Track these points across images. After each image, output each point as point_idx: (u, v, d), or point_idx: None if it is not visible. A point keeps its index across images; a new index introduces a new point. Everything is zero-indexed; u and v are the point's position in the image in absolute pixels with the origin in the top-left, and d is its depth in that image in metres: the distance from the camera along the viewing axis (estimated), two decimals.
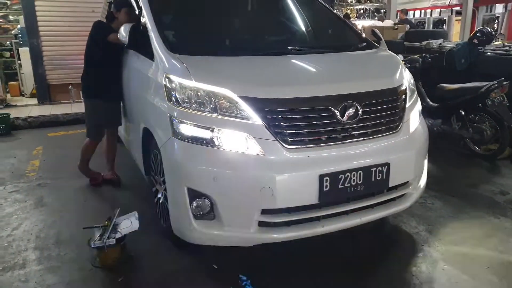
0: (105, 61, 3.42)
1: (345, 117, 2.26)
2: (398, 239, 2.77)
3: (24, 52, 7.40)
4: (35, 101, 7.28)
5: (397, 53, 4.78)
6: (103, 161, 3.78)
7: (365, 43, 3.08)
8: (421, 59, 4.81)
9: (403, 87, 2.57)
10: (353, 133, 2.28)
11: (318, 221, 2.24)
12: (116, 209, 2.63)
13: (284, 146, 2.13)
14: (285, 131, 2.15)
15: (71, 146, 4.94)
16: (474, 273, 2.35)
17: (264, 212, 2.15)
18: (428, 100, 4.67)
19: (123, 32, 2.90)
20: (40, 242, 2.74)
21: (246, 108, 2.15)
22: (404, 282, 2.29)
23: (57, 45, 7.07)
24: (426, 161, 2.72)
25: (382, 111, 2.40)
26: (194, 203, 2.18)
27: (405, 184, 2.51)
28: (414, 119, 2.59)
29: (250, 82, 2.27)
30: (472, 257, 2.52)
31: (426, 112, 4.67)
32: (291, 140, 2.15)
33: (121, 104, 3.60)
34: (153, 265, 2.44)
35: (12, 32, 8.59)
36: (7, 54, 8.62)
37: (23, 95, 7.94)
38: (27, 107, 6.91)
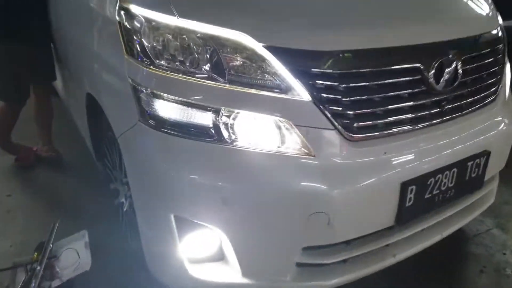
0: None
1: (441, 83, 1.34)
2: (466, 237, 2.02)
3: None
4: None
5: None
6: (34, 130, 2.66)
7: None
8: None
9: (501, 33, 1.66)
10: (447, 107, 1.38)
11: (387, 249, 1.41)
12: (53, 224, 1.64)
13: (347, 138, 1.21)
14: (349, 111, 1.20)
15: None
16: None
17: (308, 249, 1.28)
18: None
19: None
20: None
21: (281, 71, 1.16)
22: None
23: None
24: None
25: (482, 70, 1.50)
26: (188, 240, 1.25)
27: (493, 177, 1.72)
28: (508, 80, 1.73)
29: (287, 21, 1.23)
30: None
31: None
32: (358, 127, 1.23)
33: (52, 46, 2.41)
34: None
35: None
36: None
37: None
38: None
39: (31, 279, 1.43)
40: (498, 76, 1.58)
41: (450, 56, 1.34)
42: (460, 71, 1.36)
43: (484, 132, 1.49)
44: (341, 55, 1.19)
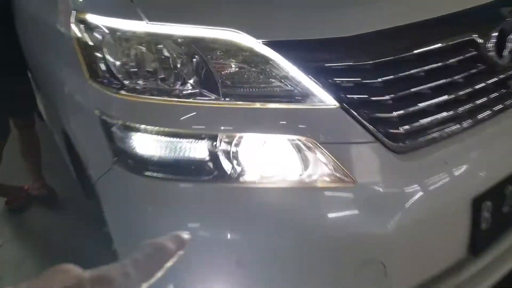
0: None
1: (505, 56, 1.00)
2: None
3: None
4: None
5: None
6: (22, 166, 2.39)
7: None
8: None
9: None
10: None
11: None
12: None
13: (394, 150, 0.89)
14: (393, 112, 0.88)
15: None
16: None
17: None
18: None
19: None
20: None
21: (291, 71, 0.83)
22: None
23: None
24: None
25: None
26: None
27: None
28: None
29: (288, 6, 0.89)
30: None
31: None
32: (406, 133, 0.90)
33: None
34: None
35: None
36: None
37: None
38: None
39: None
40: None
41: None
42: None
43: None
44: (372, 38, 0.86)
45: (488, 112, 1.00)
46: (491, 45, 0.97)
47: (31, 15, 1.50)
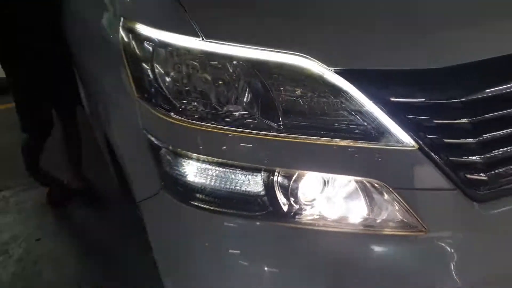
0: None
1: None
2: None
3: None
4: None
5: None
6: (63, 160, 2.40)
7: None
8: None
9: None
10: None
11: None
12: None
13: (473, 198, 0.77)
14: (479, 157, 0.76)
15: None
16: None
17: None
18: None
19: None
20: None
21: (366, 105, 0.73)
22: None
23: None
24: None
25: None
26: None
27: None
28: None
29: (367, 31, 0.77)
30: None
31: None
32: (491, 179, 0.78)
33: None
34: None
35: None
36: None
37: None
38: None
39: None
40: None
41: None
42: None
43: None
44: (466, 71, 0.74)
45: None
46: None
47: (81, 18, 1.46)
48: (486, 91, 0.75)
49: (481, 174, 0.77)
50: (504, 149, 0.78)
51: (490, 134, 0.76)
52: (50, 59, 1.97)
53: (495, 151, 0.77)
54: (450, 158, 0.75)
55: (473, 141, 0.75)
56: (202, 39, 0.78)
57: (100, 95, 1.22)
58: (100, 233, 2.05)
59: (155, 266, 0.99)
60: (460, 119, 0.74)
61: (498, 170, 0.78)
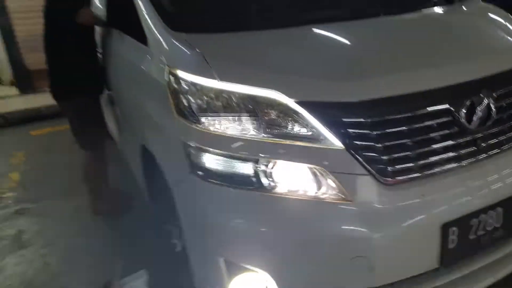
0: (80, 46, 2.43)
1: (474, 121, 1.36)
2: None
3: None
4: (15, 90, 6.32)
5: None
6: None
7: None
8: None
9: None
10: (483, 145, 1.39)
11: None
12: (118, 265, 1.81)
13: (381, 182, 1.26)
14: (382, 156, 1.26)
15: (58, 149, 4.09)
16: None
17: None
18: None
19: (98, 3, 1.94)
20: None
21: (313, 122, 1.25)
22: None
23: (32, 23, 5.98)
24: None
25: None
26: (237, 283, 1.34)
27: None
28: None
29: (314, 76, 1.33)
30: None
31: None
32: (392, 171, 1.27)
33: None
34: None
35: None
36: None
37: (2, 84, 6.97)
38: (5, 100, 5.97)
39: None
40: None
41: (481, 94, 1.36)
42: (493, 108, 1.38)
43: None
44: (369, 104, 1.26)
45: (459, 162, 1.35)
46: (462, 113, 1.34)
47: (120, 54, 2.00)
48: (385, 116, 1.26)
49: (385, 167, 1.26)
50: (401, 153, 1.28)
51: (390, 143, 1.26)
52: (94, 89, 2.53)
53: (395, 154, 1.27)
54: (365, 155, 1.24)
55: (379, 145, 1.26)
56: (218, 81, 1.32)
57: (146, 116, 1.73)
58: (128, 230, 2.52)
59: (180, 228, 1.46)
60: (370, 131, 1.25)
61: (397, 166, 1.27)
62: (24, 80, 6.21)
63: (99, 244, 2.44)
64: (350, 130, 1.25)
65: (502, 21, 1.84)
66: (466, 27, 1.82)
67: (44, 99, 5.59)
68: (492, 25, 1.85)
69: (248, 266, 1.30)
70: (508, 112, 1.44)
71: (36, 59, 6.04)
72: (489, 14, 1.93)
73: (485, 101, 1.36)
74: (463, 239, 1.32)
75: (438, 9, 1.98)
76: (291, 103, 1.26)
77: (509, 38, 1.69)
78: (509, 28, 1.76)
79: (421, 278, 1.35)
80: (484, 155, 1.39)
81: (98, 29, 2.54)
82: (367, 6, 1.93)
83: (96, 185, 2.71)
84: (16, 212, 2.94)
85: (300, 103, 1.25)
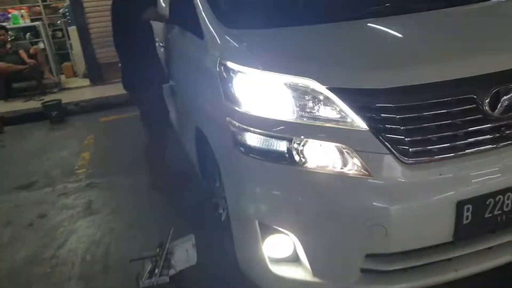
0: (149, 41, 2.79)
1: (498, 110, 1.46)
2: None
3: (73, 31, 7.11)
4: (87, 82, 7.05)
5: None
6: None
7: None
8: None
9: None
10: (507, 132, 1.49)
11: (449, 263, 1.53)
12: (170, 230, 2.11)
13: (402, 161, 1.41)
14: (404, 137, 1.41)
15: (123, 133, 4.61)
16: None
17: (371, 256, 1.49)
18: None
19: (163, 2, 2.25)
20: (85, 268, 2.33)
21: (342, 106, 1.43)
22: None
23: (103, 21, 6.61)
24: None
25: None
26: (269, 242, 1.56)
27: None
28: None
29: (345, 66, 1.52)
30: None
31: None
32: (413, 152, 1.42)
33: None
34: None
35: (60, 11, 8.35)
36: (59, 34, 8.46)
37: (77, 76, 7.77)
38: (80, 90, 6.68)
39: (155, 268, 1.89)
40: None
41: (508, 85, 1.46)
42: None
43: None
44: (394, 91, 1.42)
45: (480, 146, 1.46)
46: (486, 102, 1.45)
47: (180, 48, 2.30)
48: (410, 102, 1.41)
49: (406, 148, 1.41)
50: (422, 136, 1.42)
51: (411, 126, 1.41)
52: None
53: (416, 136, 1.42)
54: (387, 136, 1.40)
55: (401, 128, 1.41)
56: (261, 70, 1.54)
57: (197, 99, 2.01)
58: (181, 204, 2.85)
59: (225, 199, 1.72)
60: (392, 115, 1.41)
61: (417, 148, 1.42)
62: (95, 73, 6.91)
63: (156, 214, 2.79)
64: (375, 114, 1.41)
65: None
66: (501, 21, 1.90)
67: (111, 90, 6.22)
68: None
69: (279, 228, 1.52)
70: None
71: (105, 54, 6.73)
72: None
73: (510, 90, 1.46)
74: (477, 217, 1.43)
75: (475, 4, 2.06)
76: (323, 89, 1.45)
77: None
78: None
79: (436, 250, 1.49)
80: (506, 142, 1.48)
81: (161, 25, 2.89)
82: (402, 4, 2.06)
83: (155, 164, 3.07)
84: (87, 185, 3.42)
85: (331, 89, 1.45)
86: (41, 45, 7.17)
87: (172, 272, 1.89)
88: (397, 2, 1.97)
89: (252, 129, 1.54)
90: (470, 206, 1.42)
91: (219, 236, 2.15)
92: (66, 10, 7.63)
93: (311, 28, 1.76)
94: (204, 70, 1.93)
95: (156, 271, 1.87)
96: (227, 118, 1.63)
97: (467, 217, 1.43)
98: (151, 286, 1.85)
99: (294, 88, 1.49)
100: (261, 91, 1.55)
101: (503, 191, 1.45)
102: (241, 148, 1.58)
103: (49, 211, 3.06)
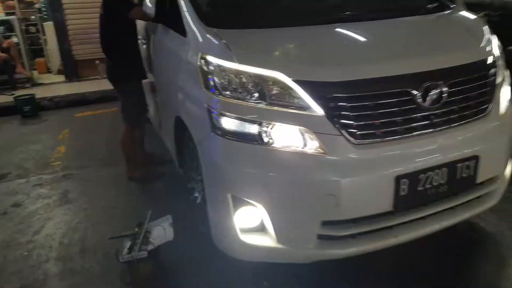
0: (133, 38, 3.03)
1: (428, 101, 1.79)
2: (475, 242, 2.32)
3: (49, 27, 7.12)
4: (62, 78, 7.06)
5: None
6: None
7: (436, 3, 2.51)
8: (487, 18, 4.16)
9: (493, 58, 2.05)
10: (435, 120, 1.81)
11: (391, 231, 1.83)
12: (148, 212, 2.31)
13: (351, 142, 1.70)
14: (352, 122, 1.70)
15: (99, 128, 4.71)
16: None
17: (326, 223, 1.76)
18: None
19: (149, 3, 2.47)
20: (63, 250, 2.47)
21: (303, 95, 1.71)
22: None
23: (82, 18, 6.69)
24: None
25: (469, 91, 1.91)
26: (240, 214, 1.81)
27: (493, 179, 2.04)
28: (504, 97, 2.09)
29: (307, 62, 1.81)
30: None
31: None
32: (360, 134, 1.71)
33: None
34: (192, 280, 2.12)
35: (36, 5, 8.30)
36: (33, 29, 8.39)
37: (50, 72, 7.75)
38: (54, 85, 6.70)
39: (134, 245, 2.08)
40: (488, 96, 1.96)
41: (436, 81, 1.79)
42: (445, 93, 1.80)
43: (473, 141, 1.88)
44: (349, 83, 1.72)
45: (414, 132, 1.78)
46: (419, 95, 1.77)
47: (165, 45, 2.54)
48: (359, 93, 1.71)
49: (354, 131, 1.70)
50: (368, 121, 1.72)
51: (359, 113, 1.71)
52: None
53: (363, 121, 1.71)
54: (339, 121, 1.69)
55: (351, 115, 1.70)
56: (237, 63, 1.80)
57: (177, 90, 2.24)
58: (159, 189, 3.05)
59: (201, 181, 1.95)
60: (343, 104, 1.70)
61: (364, 131, 1.71)
62: (71, 69, 6.94)
63: (133, 202, 2.97)
64: (330, 103, 1.70)
65: (474, 26, 2.26)
66: (437, 29, 2.27)
67: (87, 86, 6.29)
68: (462, 29, 2.28)
69: (249, 200, 1.77)
70: (455, 97, 1.85)
71: (82, 51, 6.80)
72: (466, 20, 2.35)
73: (438, 86, 1.79)
74: (412, 190, 1.74)
75: (429, 15, 2.42)
76: (289, 81, 1.72)
77: (468, 41, 2.11)
78: (474, 32, 2.18)
79: (379, 218, 1.78)
80: (434, 128, 1.80)
81: (142, 24, 3.11)
82: (369, 9, 2.40)
83: (131, 153, 3.25)
84: (63, 176, 3.53)
85: (296, 81, 1.72)
86: (14, 40, 7.13)
87: (150, 247, 2.08)
88: (356, 12, 2.30)
89: (228, 114, 1.79)
90: (406, 180, 1.72)
91: (194, 218, 2.37)
92: (43, 5, 7.62)
93: (281, 30, 2.05)
94: (186, 64, 2.17)
95: (136, 247, 2.06)
96: (206, 105, 1.88)
97: (404, 189, 1.73)
98: (131, 260, 2.04)
99: (265, 79, 1.75)
100: (236, 82, 1.80)
101: (432, 169, 1.76)
102: (218, 131, 1.82)
103: (24, 200, 3.14)
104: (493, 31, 4.46)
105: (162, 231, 2.19)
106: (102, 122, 4.88)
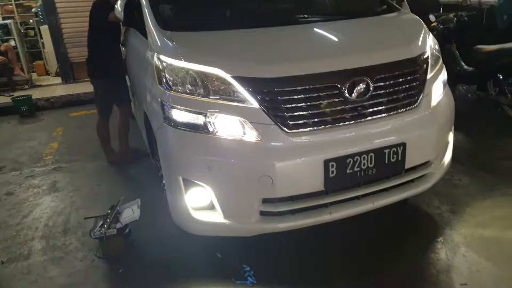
0: (110, 42, 3.30)
1: (354, 95, 2.00)
2: (416, 222, 2.53)
3: (45, 30, 7.42)
4: (59, 79, 7.36)
5: (428, 13, 4.33)
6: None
7: (385, 6, 2.72)
8: (455, 18, 4.34)
9: (425, 56, 2.25)
10: (363, 112, 2.03)
11: (325, 208, 2.06)
12: (121, 197, 2.57)
13: (284, 131, 1.92)
14: (285, 114, 1.93)
15: (90, 126, 4.95)
16: (500, 260, 2.11)
17: (266, 201, 1.99)
18: (463, 64, 4.22)
19: (119, 7, 2.72)
20: (47, 230, 2.74)
21: (241, 90, 1.94)
22: (419, 271, 2.10)
23: (76, 21, 6.97)
24: (451, 136, 2.43)
25: (398, 86, 2.11)
26: (190, 194, 2.05)
27: (425, 164, 2.25)
28: (437, 90, 2.28)
29: (244, 60, 2.03)
30: (499, 242, 2.27)
31: (460, 77, 4.27)
32: (292, 124, 1.93)
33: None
34: (156, 255, 2.37)
35: (33, 10, 8.62)
36: (32, 32, 8.71)
37: (49, 74, 8.06)
38: (52, 87, 6.99)
39: (104, 223, 2.35)
40: (418, 89, 2.17)
41: (361, 77, 2.00)
42: (371, 87, 2.02)
43: (401, 130, 2.08)
44: (279, 79, 1.94)
45: (343, 121, 2.00)
46: (346, 89, 1.99)
47: (134, 46, 2.79)
48: (290, 87, 1.93)
49: (286, 121, 1.93)
50: (299, 113, 1.94)
51: (290, 105, 1.93)
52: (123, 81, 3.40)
53: (294, 113, 1.93)
54: (273, 113, 1.92)
55: (282, 107, 1.92)
56: (183, 61, 2.03)
57: (143, 87, 2.49)
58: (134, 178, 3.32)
59: (158, 161, 2.20)
60: (278, 97, 1.92)
61: (295, 121, 1.93)
62: (66, 71, 7.23)
63: (115, 190, 3.21)
64: (264, 97, 1.93)
65: (411, 27, 2.46)
66: (376, 29, 2.47)
67: (82, 87, 6.57)
68: (398, 30, 2.48)
69: (198, 182, 2.00)
70: (382, 91, 2.06)
71: (77, 53, 7.08)
72: (405, 21, 2.55)
73: (364, 82, 2.00)
74: (341, 172, 1.96)
75: (373, 17, 2.62)
76: (228, 77, 1.95)
77: (402, 40, 2.31)
78: (410, 32, 2.38)
79: (314, 197, 2.01)
80: (361, 118, 2.02)
81: (123, 29, 3.37)
82: (316, 13, 2.62)
83: (104, 139, 3.68)
84: (54, 169, 3.80)
85: (234, 77, 1.95)
86: (12, 43, 7.43)
87: (119, 225, 2.34)
88: (292, 16, 2.53)
89: (177, 106, 2.03)
90: (334, 163, 1.94)
91: (161, 201, 2.61)
92: (39, 9, 7.92)
93: (225, 32, 2.29)
94: (147, 63, 2.41)
95: (106, 225, 2.33)
96: (159, 99, 2.11)
97: (333, 172, 1.95)
98: (101, 237, 2.30)
99: (207, 75, 1.98)
100: (184, 77, 2.03)
101: (359, 154, 1.98)
102: (169, 122, 2.06)
103: (16, 190, 3.42)
104: (461, 31, 4.64)
105: (130, 212, 2.45)
106: (94, 121, 5.04)
